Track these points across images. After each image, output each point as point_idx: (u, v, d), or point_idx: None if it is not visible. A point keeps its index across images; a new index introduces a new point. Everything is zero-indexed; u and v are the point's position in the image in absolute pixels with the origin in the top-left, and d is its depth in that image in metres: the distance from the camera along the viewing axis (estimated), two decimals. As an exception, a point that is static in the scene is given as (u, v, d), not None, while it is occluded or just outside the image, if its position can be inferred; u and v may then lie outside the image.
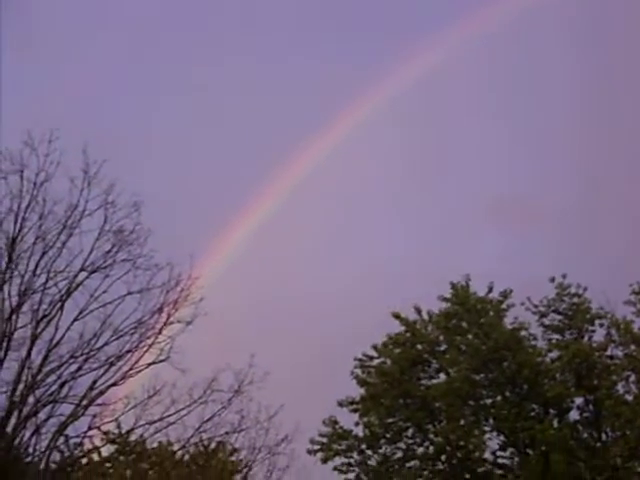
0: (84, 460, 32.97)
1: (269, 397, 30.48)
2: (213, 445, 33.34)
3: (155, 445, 33.75)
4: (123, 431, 31.15)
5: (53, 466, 29.97)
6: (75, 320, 28.11)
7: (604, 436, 38.63)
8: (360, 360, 40.67)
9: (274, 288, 47.04)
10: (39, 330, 27.79)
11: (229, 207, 44.39)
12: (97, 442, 31.40)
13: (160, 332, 28.90)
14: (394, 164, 56.31)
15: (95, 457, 34.39)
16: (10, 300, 27.69)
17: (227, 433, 31.61)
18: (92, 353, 28.22)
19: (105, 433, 31.93)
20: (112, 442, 32.90)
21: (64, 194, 28.15)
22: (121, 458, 34.90)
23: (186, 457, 33.22)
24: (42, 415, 27.85)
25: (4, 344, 27.24)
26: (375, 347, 40.60)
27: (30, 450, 28.41)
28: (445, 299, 40.23)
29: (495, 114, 57.19)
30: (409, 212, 57.61)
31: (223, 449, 33.87)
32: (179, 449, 31.60)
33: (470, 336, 39.69)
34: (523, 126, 56.87)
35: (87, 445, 30.63)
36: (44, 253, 28.18)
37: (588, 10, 53.23)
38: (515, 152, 57.53)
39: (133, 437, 31.40)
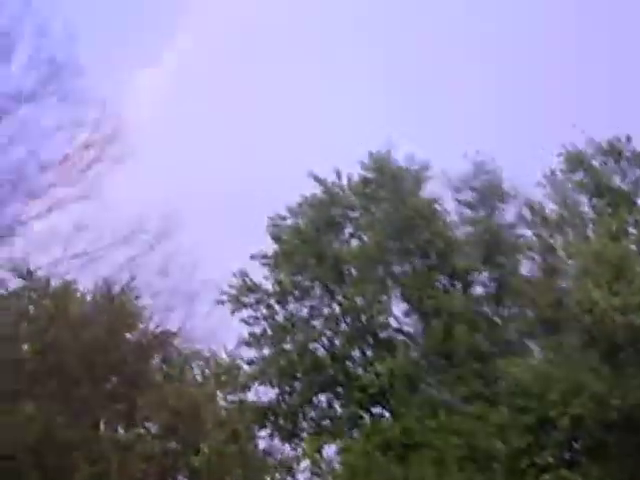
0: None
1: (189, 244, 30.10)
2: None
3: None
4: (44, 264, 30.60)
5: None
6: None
7: (505, 312, 39.78)
8: (272, 219, 40.68)
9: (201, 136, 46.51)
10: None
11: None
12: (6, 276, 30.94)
13: (88, 168, 28.29)
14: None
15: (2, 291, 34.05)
16: None
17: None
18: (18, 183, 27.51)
19: (16, 268, 31.52)
20: (21, 277, 32.49)
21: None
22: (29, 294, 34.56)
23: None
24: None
25: None
26: (289, 209, 40.66)
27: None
28: (364, 165, 40.36)
29: None
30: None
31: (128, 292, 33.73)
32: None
33: (385, 205, 39.97)
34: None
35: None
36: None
37: None
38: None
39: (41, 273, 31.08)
